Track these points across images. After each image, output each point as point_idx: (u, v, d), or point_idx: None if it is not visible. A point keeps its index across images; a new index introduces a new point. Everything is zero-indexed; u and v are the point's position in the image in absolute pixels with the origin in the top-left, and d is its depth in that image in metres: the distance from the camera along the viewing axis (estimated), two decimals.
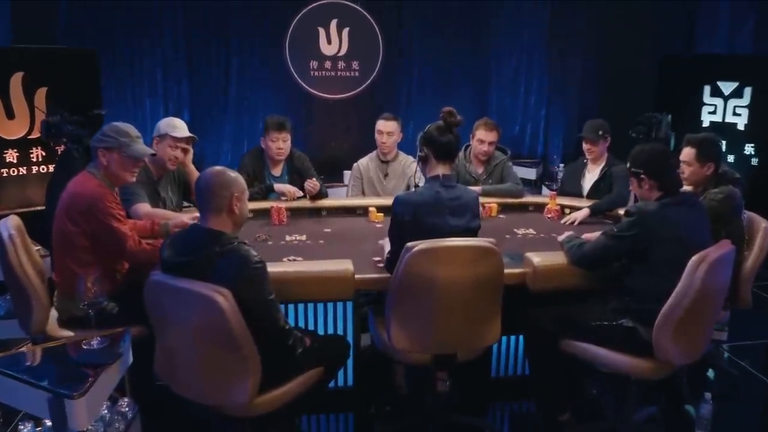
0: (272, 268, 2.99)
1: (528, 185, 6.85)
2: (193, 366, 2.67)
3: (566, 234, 3.52)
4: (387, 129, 4.68)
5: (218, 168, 2.79)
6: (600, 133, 4.57)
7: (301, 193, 4.40)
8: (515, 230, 4.07)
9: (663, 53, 6.96)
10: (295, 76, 7.03)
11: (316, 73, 7.09)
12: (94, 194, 3.13)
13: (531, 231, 4.05)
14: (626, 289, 3.07)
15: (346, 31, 7.04)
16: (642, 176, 3.10)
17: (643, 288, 2.99)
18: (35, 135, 5.26)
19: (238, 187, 2.73)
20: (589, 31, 7.34)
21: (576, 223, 4.19)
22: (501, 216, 4.40)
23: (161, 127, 3.92)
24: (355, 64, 7.14)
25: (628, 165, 3.19)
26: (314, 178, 4.53)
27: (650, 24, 7.19)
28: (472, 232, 3.09)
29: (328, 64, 7.08)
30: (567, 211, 4.44)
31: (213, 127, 7.03)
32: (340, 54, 7.10)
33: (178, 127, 3.93)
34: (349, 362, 3.58)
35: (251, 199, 4.31)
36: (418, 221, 2.98)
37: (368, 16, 7.05)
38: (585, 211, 4.23)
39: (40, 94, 5.29)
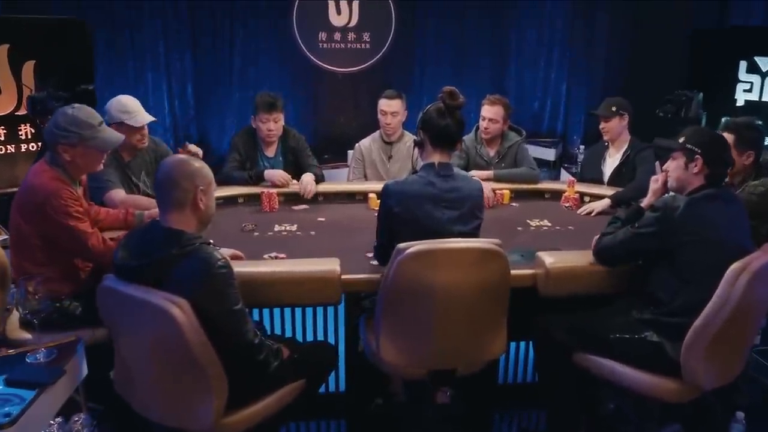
0: (248, 267, 2.66)
1: (545, 167, 6.35)
2: (150, 383, 2.32)
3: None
4: (391, 108, 4.24)
5: (181, 156, 2.42)
6: (613, 109, 4.09)
7: (294, 181, 3.98)
8: (528, 221, 3.62)
9: (694, 26, 6.35)
10: (303, 48, 6.59)
11: (325, 45, 6.64)
12: (47, 190, 2.76)
13: (546, 222, 3.61)
14: (651, 297, 2.64)
15: (356, 1, 6.57)
16: (697, 156, 2.65)
17: (671, 297, 2.56)
18: (23, 111, 4.88)
19: (203, 179, 2.34)
20: (615, 1, 6.75)
21: (594, 214, 3.73)
22: (513, 204, 3.95)
23: (113, 114, 3.47)
24: (365, 36, 6.67)
25: (681, 140, 2.71)
26: (311, 164, 4.12)
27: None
28: (470, 232, 2.67)
29: (337, 36, 6.63)
30: (587, 199, 3.98)
31: (217, 102, 6.64)
32: (351, 25, 6.63)
33: (132, 112, 3.49)
34: (341, 365, 3.20)
35: (241, 185, 3.96)
36: (407, 214, 2.60)
37: None
38: (605, 201, 3.77)
39: (28, 68, 4.89)
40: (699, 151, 2.64)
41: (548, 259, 2.80)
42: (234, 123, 6.66)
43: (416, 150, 2.74)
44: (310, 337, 3.19)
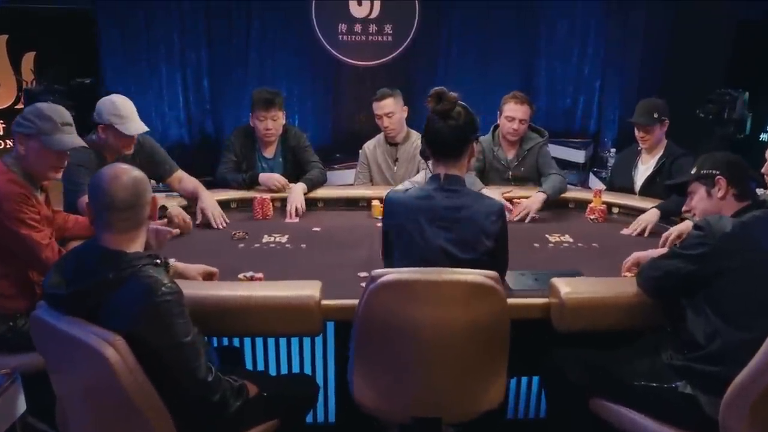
0: (210, 291, 2.27)
1: (574, 170, 5.83)
2: (88, 425, 1.95)
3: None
4: (384, 110, 3.82)
5: (123, 167, 1.98)
6: (655, 116, 3.55)
7: (290, 186, 3.59)
8: (547, 236, 3.16)
9: (739, 18, 5.73)
10: (322, 40, 6.18)
11: (345, 38, 6.22)
12: (0, 192, 2.41)
13: (567, 238, 3.14)
14: (685, 338, 2.17)
15: None
16: (718, 177, 2.28)
17: (710, 339, 2.09)
18: (22, 105, 4.59)
19: (150, 191, 1.98)
20: None
21: (647, 233, 3.20)
22: (533, 214, 3.48)
23: (103, 115, 3.06)
24: (387, 28, 6.23)
25: (693, 171, 2.31)
26: (311, 162, 3.72)
27: None
28: (468, 261, 2.18)
29: (358, 28, 6.20)
30: (615, 210, 3.50)
31: (233, 96, 6.27)
32: (372, 17, 6.19)
33: (125, 117, 3.06)
34: (331, 395, 2.81)
35: (235, 188, 3.60)
36: (399, 229, 2.22)
37: None
38: (653, 213, 3.24)
39: (28, 60, 4.60)
40: (717, 171, 2.29)
41: (564, 287, 2.34)
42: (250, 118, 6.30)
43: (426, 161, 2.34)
44: (296, 366, 2.79)
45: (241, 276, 2.51)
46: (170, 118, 6.25)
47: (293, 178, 3.67)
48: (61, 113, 2.56)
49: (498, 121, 3.80)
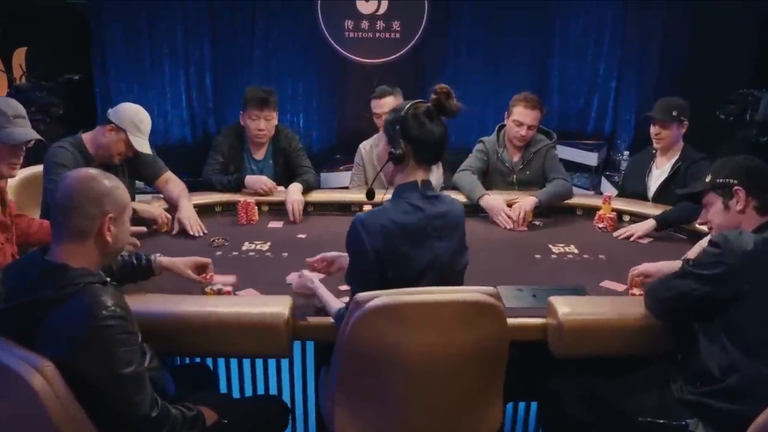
0: (173, 306, 2.05)
1: (586, 173, 5.51)
2: None
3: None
4: (383, 109, 3.55)
5: (89, 171, 1.79)
6: (674, 114, 3.26)
7: (281, 189, 3.35)
8: (550, 246, 2.89)
9: (762, 15, 5.36)
10: (328, 37, 5.92)
11: (352, 34, 5.94)
12: None
13: (572, 249, 2.87)
14: (697, 369, 1.90)
15: None
16: (736, 188, 1.99)
17: (726, 372, 1.82)
18: None
19: (115, 204, 1.76)
20: None
21: (633, 239, 2.97)
22: (536, 222, 3.21)
23: (124, 120, 2.95)
24: (395, 25, 5.94)
25: (708, 179, 2.04)
26: (303, 166, 3.48)
27: None
28: (464, 267, 2.04)
29: (365, 24, 5.93)
30: (626, 219, 3.22)
31: (237, 94, 5.95)
32: (379, 13, 5.90)
33: (142, 133, 3.00)
34: (311, 416, 2.58)
35: (220, 191, 3.37)
36: (393, 254, 1.91)
37: None
38: (649, 223, 3.00)
39: (19, 55, 4.40)
40: (735, 181, 1.99)
41: (562, 307, 2.08)
42: None
43: (388, 167, 2.04)
44: (272, 386, 2.56)
45: (208, 289, 2.28)
46: (173, 117, 6.05)
47: (283, 182, 3.43)
48: (14, 106, 2.37)
49: (505, 122, 3.52)
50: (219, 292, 2.26)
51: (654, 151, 3.44)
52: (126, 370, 1.63)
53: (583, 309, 2.10)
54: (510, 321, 2.06)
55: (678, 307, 1.96)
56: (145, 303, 2.05)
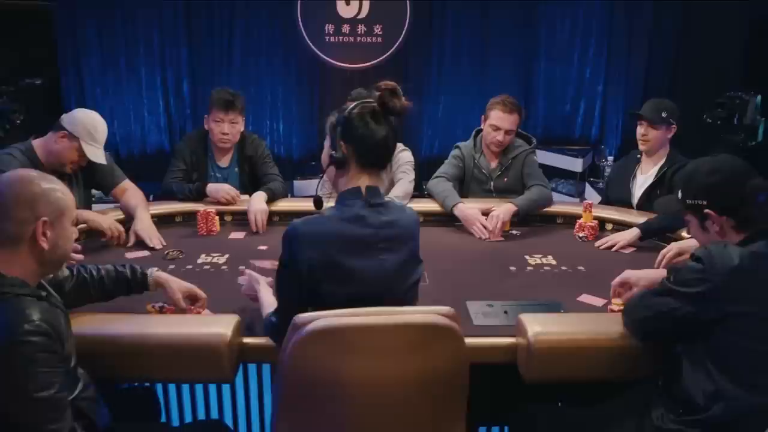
0: (105, 327, 1.85)
1: (571, 180, 5.32)
2: None
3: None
4: None
5: (24, 172, 1.66)
6: (663, 115, 3.08)
7: (246, 197, 3.15)
8: (527, 257, 2.69)
9: (750, 16, 5.17)
10: (308, 41, 5.73)
11: (332, 39, 5.76)
12: None
13: (550, 260, 2.67)
14: (680, 395, 1.70)
15: None
16: (706, 211, 1.76)
17: (710, 399, 1.63)
18: None
19: (50, 207, 1.59)
20: None
21: (615, 249, 2.78)
22: (513, 231, 3.01)
23: (78, 127, 2.77)
24: (377, 29, 5.77)
25: (679, 195, 1.86)
26: (270, 174, 3.28)
27: None
28: (415, 282, 1.82)
29: (346, 28, 5.75)
30: (608, 227, 3.03)
31: None
32: (360, 16, 5.74)
33: (97, 142, 2.81)
34: None
35: (180, 200, 3.16)
36: (330, 267, 1.70)
37: None
38: (632, 232, 2.81)
39: None
40: (703, 202, 1.77)
41: (532, 326, 1.88)
42: None
43: (330, 172, 1.84)
44: (215, 410, 2.35)
45: (149, 306, 2.07)
46: (150, 124, 5.87)
47: (249, 191, 3.23)
48: None
49: (482, 126, 3.33)
50: (161, 310, 2.06)
51: (639, 156, 3.25)
52: (41, 394, 1.45)
53: (556, 328, 1.91)
54: (477, 341, 1.91)
55: (658, 328, 1.76)
56: (77, 323, 1.84)
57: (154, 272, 2.07)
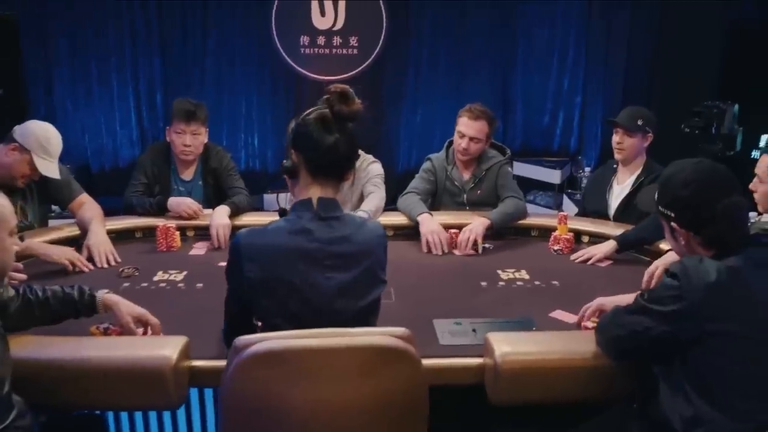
0: (41, 350, 1.72)
1: (550, 192, 5.22)
2: None
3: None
4: None
5: None
6: (639, 123, 2.99)
7: (203, 213, 3.02)
8: (499, 271, 2.58)
9: (727, 25, 5.10)
10: (283, 53, 5.63)
11: (308, 51, 5.66)
12: None
13: (523, 275, 2.55)
14: (657, 418, 1.59)
15: (342, 1, 5.58)
16: (673, 223, 1.67)
17: (691, 425, 1.51)
18: None
19: None
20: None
21: (592, 262, 2.67)
22: (486, 245, 2.89)
23: (30, 140, 2.67)
24: (353, 40, 5.68)
25: (656, 197, 1.75)
26: (235, 187, 3.16)
27: None
28: (367, 308, 1.68)
29: (321, 40, 5.65)
30: (584, 240, 2.92)
31: None
32: (336, 28, 5.64)
33: (50, 156, 2.71)
34: None
35: (141, 215, 3.03)
36: (271, 281, 1.61)
37: None
38: (609, 245, 2.70)
39: None
40: (672, 213, 1.67)
41: (501, 345, 1.76)
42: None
43: (289, 182, 1.74)
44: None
45: (93, 328, 1.93)
46: (122, 137, 5.73)
47: (214, 205, 3.10)
48: None
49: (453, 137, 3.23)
50: (106, 332, 1.91)
51: (615, 166, 3.16)
52: None
53: (526, 347, 1.79)
54: (442, 362, 1.79)
55: (632, 348, 1.65)
56: (13, 345, 1.70)
57: (103, 294, 1.92)
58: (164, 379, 1.67)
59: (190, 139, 3.10)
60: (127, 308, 1.90)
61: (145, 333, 1.90)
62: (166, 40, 5.62)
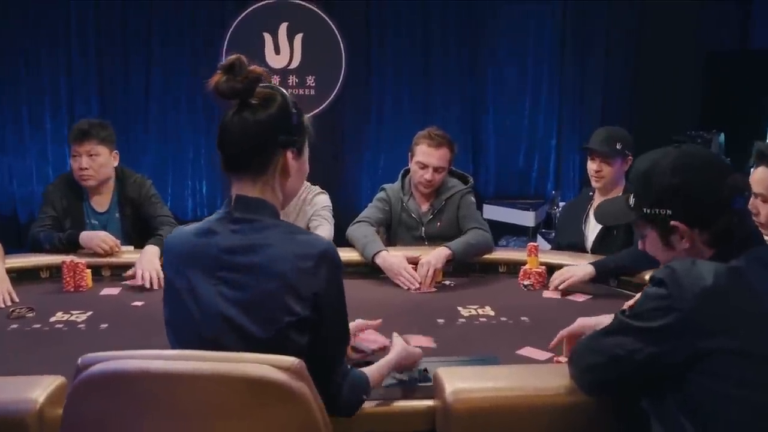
0: None
1: (524, 236, 5.04)
2: None
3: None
4: None
5: None
6: (618, 146, 2.84)
7: (128, 248, 2.78)
8: (459, 308, 2.34)
9: (706, 52, 5.16)
10: None
11: None
12: None
13: (487, 310, 2.32)
14: None
15: (298, 38, 5.57)
16: (674, 223, 1.42)
17: None
18: None
19: None
20: (613, 30, 5.63)
21: (563, 286, 2.48)
22: (447, 282, 2.67)
23: None
24: (310, 80, 5.63)
25: (632, 202, 1.51)
26: (160, 216, 2.92)
27: (690, 16, 5.33)
28: (272, 339, 1.34)
29: (275, 80, 5.51)
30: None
31: (130, 155, 5.48)
32: (292, 66, 5.62)
33: None
34: None
35: (49, 251, 2.78)
36: (168, 288, 1.45)
37: (326, 17, 5.52)
38: (586, 270, 2.50)
39: None
40: (668, 212, 1.42)
41: (453, 382, 1.51)
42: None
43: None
44: None
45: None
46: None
47: (135, 238, 2.86)
48: None
49: (409, 165, 3.04)
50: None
51: (591, 194, 2.99)
52: None
53: (483, 384, 1.54)
54: (383, 408, 1.54)
55: (612, 378, 1.40)
56: None
57: None
58: (26, 426, 1.39)
59: (86, 161, 2.88)
60: None
61: None
62: (105, 79, 5.53)
